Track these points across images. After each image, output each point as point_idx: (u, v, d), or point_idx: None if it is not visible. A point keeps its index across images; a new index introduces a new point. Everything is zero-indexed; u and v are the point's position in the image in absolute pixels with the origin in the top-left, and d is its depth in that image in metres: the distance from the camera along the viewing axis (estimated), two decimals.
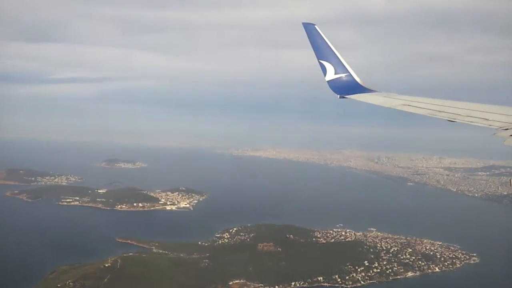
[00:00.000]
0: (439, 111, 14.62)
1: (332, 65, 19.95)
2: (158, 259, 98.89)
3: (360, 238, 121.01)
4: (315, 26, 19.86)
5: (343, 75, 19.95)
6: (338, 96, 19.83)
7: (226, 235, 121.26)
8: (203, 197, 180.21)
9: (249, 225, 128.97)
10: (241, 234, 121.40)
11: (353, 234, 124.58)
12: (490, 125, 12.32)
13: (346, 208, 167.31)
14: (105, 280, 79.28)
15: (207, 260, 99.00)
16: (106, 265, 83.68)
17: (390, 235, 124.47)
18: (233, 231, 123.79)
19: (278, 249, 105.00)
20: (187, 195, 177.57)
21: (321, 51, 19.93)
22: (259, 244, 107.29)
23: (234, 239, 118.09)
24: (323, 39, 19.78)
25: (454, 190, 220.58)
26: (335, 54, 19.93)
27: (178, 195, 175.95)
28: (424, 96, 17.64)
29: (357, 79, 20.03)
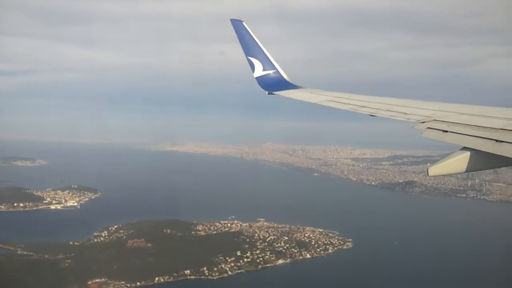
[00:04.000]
0: (362, 106, 15.18)
1: (260, 61, 20.23)
2: (14, 261, 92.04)
3: (244, 228, 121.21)
4: (243, 22, 19.88)
5: (271, 71, 20.31)
6: (267, 92, 20.13)
7: (104, 234, 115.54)
8: (97, 195, 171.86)
9: (135, 221, 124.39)
10: (121, 231, 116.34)
11: (239, 225, 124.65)
12: (408, 119, 12.77)
13: (244, 199, 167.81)
14: None
15: (69, 260, 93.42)
16: None
17: (276, 224, 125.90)
18: (113, 229, 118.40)
19: (149, 244, 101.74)
20: (78, 193, 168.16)
21: (249, 47, 20.07)
22: (129, 241, 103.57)
23: (111, 237, 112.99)
24: (251, 35, 19.86)
25: (355, 179, 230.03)
26: (263, 51, 20.18)
27: (69, 193, 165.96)
28: (347, 91, 18.44)
29: (285, 76, 20.47)
